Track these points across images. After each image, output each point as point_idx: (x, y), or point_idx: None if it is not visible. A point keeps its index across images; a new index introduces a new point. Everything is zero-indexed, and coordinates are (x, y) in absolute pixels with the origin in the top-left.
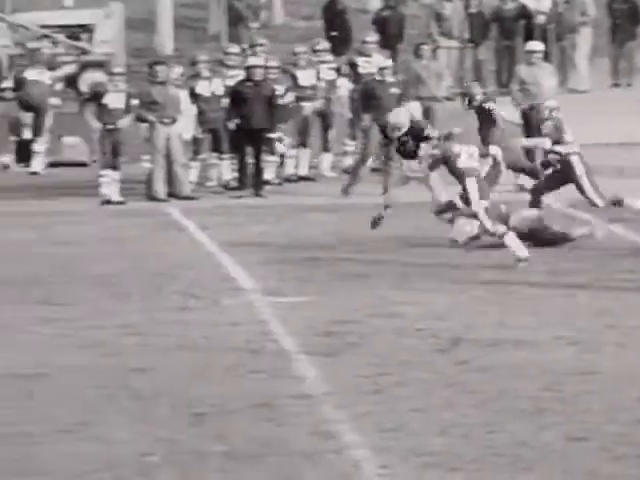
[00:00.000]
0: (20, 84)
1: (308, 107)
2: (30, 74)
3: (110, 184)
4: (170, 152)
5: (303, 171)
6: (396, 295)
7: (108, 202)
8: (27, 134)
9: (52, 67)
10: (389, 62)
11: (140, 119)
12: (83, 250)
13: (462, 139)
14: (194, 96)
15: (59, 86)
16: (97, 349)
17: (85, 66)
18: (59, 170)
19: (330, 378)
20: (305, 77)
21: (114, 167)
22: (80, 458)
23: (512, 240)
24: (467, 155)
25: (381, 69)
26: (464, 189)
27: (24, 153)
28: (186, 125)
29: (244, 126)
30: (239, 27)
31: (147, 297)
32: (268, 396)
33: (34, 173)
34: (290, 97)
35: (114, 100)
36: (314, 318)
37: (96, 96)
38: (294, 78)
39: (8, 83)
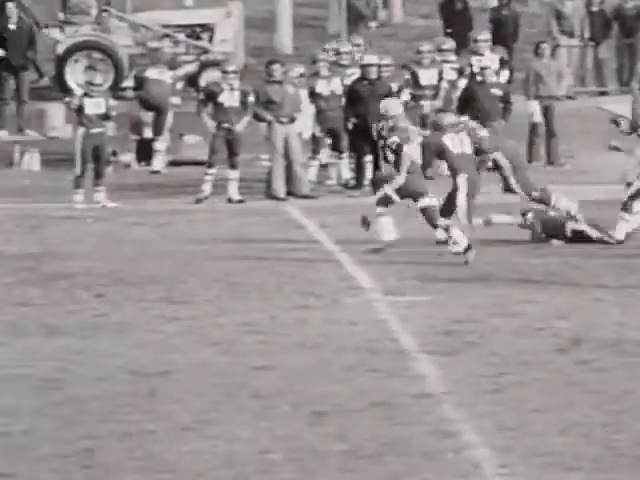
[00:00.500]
0: (141, 83)
1: (427, 106)
2: (151, 73)
3: (209, 183)
4: (289, 151)
5: None
6: (516, 294)
7: (201, 200)
8: (148, 133)
9: (173, 66)
10: (491, 62)
11: (257, 118)
12: (203, 248)
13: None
14: (313, 95)
15: (179, 85)
16: (218, 347)
17: (205, 65)
18: (179, 169)
19: (449, 377)
20: (426, 76)
21: (232, 166)
22: (201, 456)
23: (457, 234)
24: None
25: (482, 69)
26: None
27: (145, 152)
28: (305, 124)
29: (361, 125)
30: (359, 26)
31: (267, 295)
32: (387, 395)
33: (155, 172)
34: (406, 95)
35: (229, 99)
36: (434, 317)
37: (211, 95)
38: (415, 76)
39: (129, 82)
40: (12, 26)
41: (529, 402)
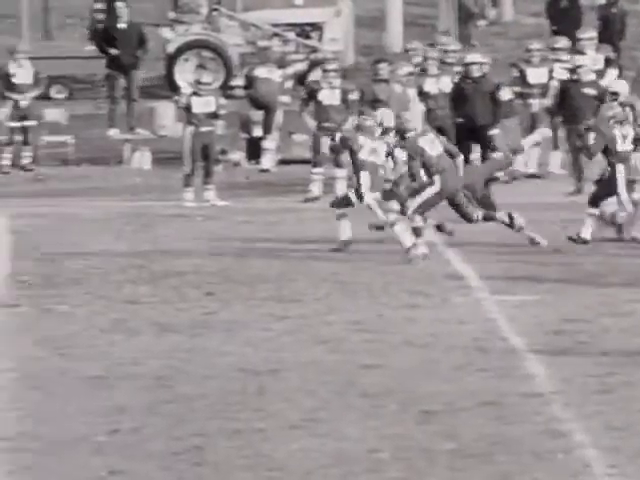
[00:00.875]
0: (251, 82)
1: (535, 105)
2: (260, 72)
3: (317, 183)
4: None
5: (532, 168)
6: (625, 294)
7: (311, 200)
8: (257, 131)
9: (282, 65)
10: (593, 61)
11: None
12: (312, 247)
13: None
14: (422, 94)
15: (289, 84)
16: (327, 345)
17: (315, 64)
18: (289, 167)
19: (558, 377)
20: (535, 74)
21: (338, 165)
22: (310, 454)
23: (401, 230)
24: (370, 149)
25: (577, 67)
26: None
27: (254, 150)
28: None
29: (466, 123)
30: (468, 24)
31: (375, 294)
32: (497, 394)
33: (264, 170)
34: (508, 93)
35: (329, 97)
36: (542, 317)
37: (312, 93)
38: (523, 75)
39: (239, 81)
40: (122, 25)
41: (637, 402)
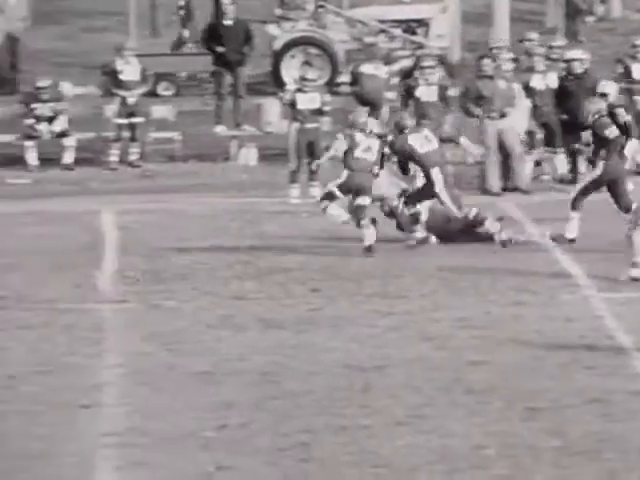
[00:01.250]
0: (356, 79)
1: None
2: (366, 69)
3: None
4: (504, 146)
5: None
6: None
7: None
8: None
9: (388, 61)
10: None
11: (467, 113)
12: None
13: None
14: (528, 90)
15: (395, 80)
16: (433, 342)
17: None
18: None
19: None
20: None
21: None
22: (415, 450)
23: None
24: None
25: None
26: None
27: None
28: (520, 119)
29: (570, 120)
30: (576, 20)
31: (482, 291)
32: (604, 392)
33: None
34: (611, 88)
35: (426, 93)
36: None
37: (409, 90)
38: (627, 70)
39: (345, 77)
40: (228, 22)
41: None
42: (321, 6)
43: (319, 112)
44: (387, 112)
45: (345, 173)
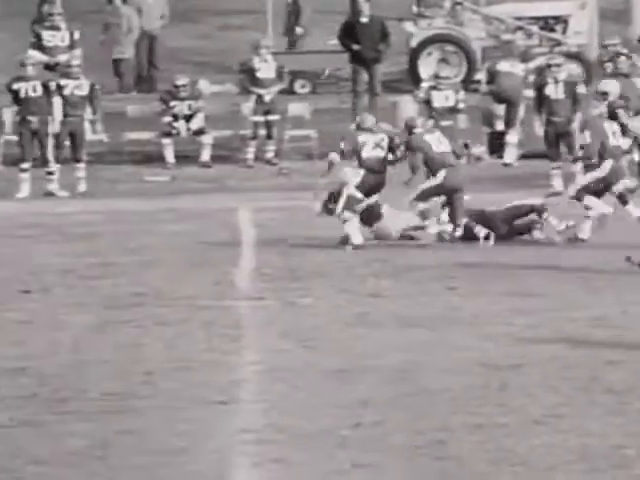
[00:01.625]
0: (493, 76)
1: None
2: (503, 66)
3: (556, 177)
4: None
5: None
6: None
7: (552, 195)
8: (500, 126)
9: (525, 59)
10: None
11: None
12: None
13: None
14: None
15: (532, 78)
16: (569, 341)
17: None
18: (532, 162)
19: None
20: None
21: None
22: (553, 450)
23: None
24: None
25: None
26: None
27: (497, 144)
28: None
29: None
30: None
31: (620, 290)
32: None
33: (506, 164)
34: None
35: (554, 91)
36: None
37: (539, 88)
38: None
39: (481, 75)
40: (364, 19)
41: None
42: (458, 3)
43: (454, 110)
44: (523, 109)
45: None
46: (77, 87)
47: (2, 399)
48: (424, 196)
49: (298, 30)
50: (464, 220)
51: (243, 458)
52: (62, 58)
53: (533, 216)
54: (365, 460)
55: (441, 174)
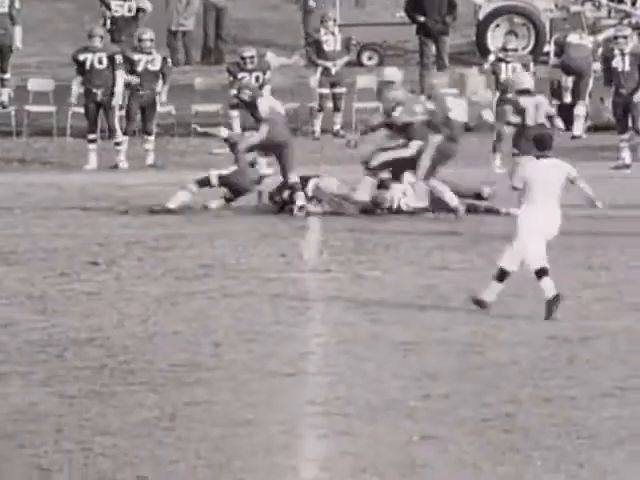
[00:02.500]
0: (562, 48)
1: None
2: (572, 38)
3: (624, 149)
4: None
5: None
6: None
7: (620, 167)
8: (568, 98)
9: (594, 31)
10: None
11: None
12: (623, 214)
13: None
14: None
15: (600, 50)
16: (638, 313)
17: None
18: (600, 134)
19: None
20: None
21: (637, 131)
22: (622, 422)
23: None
24: None
25: None
26: None
27: (565, 117)
28: None
29: None
30: None
31: None
32: None
33: (575, 137)
34: None
35: (620, 64)
36: None
37: (607, 61)
38: None
39: (550, 47)
40: None
41: None
42: None
43: None
44: (591, 82)
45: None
46: (150, 62)
47: (71, 370)
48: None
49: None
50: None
51: (310, 430)
52: (128, 31)
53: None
54: (432, 432)
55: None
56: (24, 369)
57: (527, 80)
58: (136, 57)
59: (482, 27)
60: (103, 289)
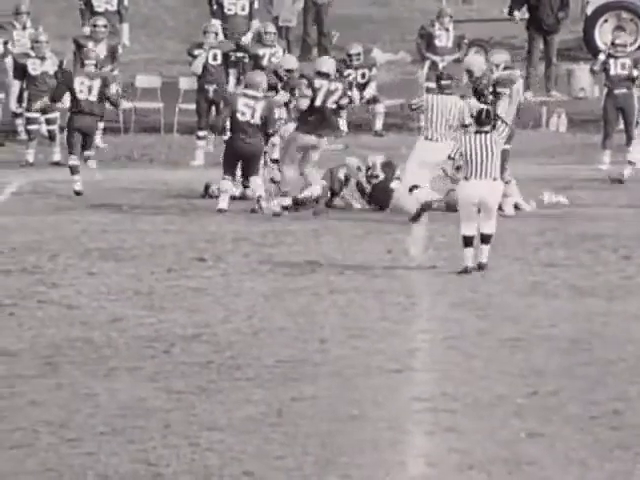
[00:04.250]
0: None
1: None
2: None
3: None
4: None
5: None
6: None
7: None
8: None
9: None
10: None
11: None
12: None
13: None
14: None
15: None
16: None
17: None
18: None
19: None
20: None
21: None
22: None
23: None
24: None
25: None
26: None
27: None
28: None
29: None
30: None
31: None
32: None
33: None
34: None
35: None
36: None
37: None
38: None
39: None
40: None
41: None
42: None
43: (630, 78)
44: None
45: None
46: (273, 55)
47: (178, 366)
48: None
49: None
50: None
51: (416, 426)
52: (241, 27)
53: None
54: (540, 429)
55: None
56: (132, 364)
57: None
58: (260, 51)
59: (590, 23)
60: (210, 285)
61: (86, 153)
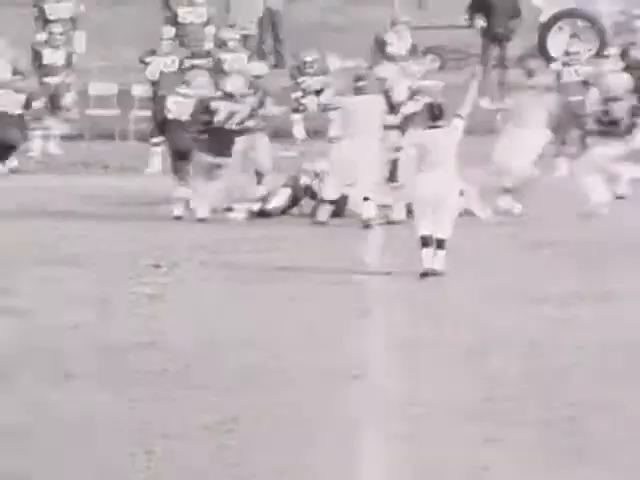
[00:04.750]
0: (626, 52)
1: None
2: None
3: None
4: None
5: None
6: None
7: None
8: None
9: None
10: None
11: None
12: None
13: None
14: None
15: None
16: None
17: None
18: None
19: None
20: None
21: None
22: None
23: None
24: None
25: None
26: None
27: None
28: None
29: None
30: None
31: None
32: None
33: None
34: None
35: None
36: None
37: None
38: None
39: (614, 50)
40: None
41: None
42: None
43: (585, 84)
44: None
45: None
46: (235, 61)
47: (133, 374)
48: None
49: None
50: None
51: (372, 432)
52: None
53: None
54: (497, 435)
55: None
56: (87, 372)
57: None
58: (222, 56)
59: (544, 31)
60: (165, 291)
61: None
